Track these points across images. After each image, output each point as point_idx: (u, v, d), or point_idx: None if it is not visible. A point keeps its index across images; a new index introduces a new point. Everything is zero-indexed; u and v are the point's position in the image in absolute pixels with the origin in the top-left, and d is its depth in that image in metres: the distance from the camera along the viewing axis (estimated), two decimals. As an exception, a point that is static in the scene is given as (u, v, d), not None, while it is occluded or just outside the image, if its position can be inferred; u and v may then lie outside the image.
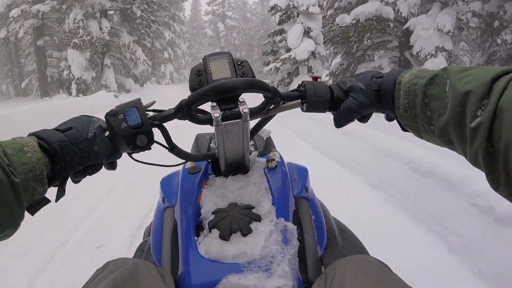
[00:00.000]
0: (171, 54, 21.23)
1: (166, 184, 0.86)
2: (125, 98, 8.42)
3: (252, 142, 0.93)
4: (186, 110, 0.61)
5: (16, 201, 0.43)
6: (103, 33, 11.92)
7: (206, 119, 0.68)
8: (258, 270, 0.55)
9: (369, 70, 0.65)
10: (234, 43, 35.18)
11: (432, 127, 0.49)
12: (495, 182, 0.40)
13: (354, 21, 8.08)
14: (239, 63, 0.70)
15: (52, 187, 0.51)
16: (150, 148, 0.61)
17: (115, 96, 9.48)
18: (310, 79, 0.69)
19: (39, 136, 0.49)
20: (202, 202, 0.71)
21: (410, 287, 0.51)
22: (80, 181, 0.59)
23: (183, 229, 0.66)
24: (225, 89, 0.58)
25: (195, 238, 0.64)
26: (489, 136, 0.38)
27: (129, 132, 0.57)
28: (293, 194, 0.76)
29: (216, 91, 0.58)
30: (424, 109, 0.49)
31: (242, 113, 0.61)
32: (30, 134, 0.50)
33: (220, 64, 0.69)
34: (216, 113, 0.60)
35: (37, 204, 0.49)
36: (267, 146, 0.94)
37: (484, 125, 0.38)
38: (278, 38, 10.51)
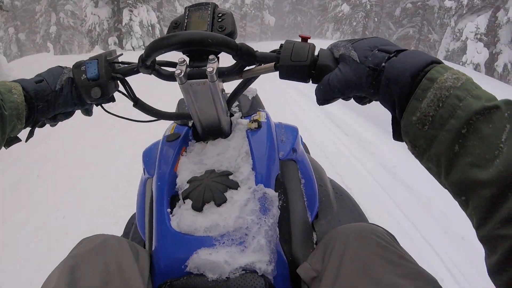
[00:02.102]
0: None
1: (147, 154, 0.80)
2: None
3: (236, 103, 0.87)
4: (144, 64, 0.59)
5: (1, 131, 0.51)
6: None
7: (170, 74, 0.63)
8: (231, 244, 0.52)
9: (376, 36, 0.48)
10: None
11: (451, 170, 0.34)
12: (499, 270, 0.30)
13: None
14: (220, 15, 0.63)
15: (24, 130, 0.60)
16: (113, 101, 0.65)
17: None
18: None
19: (21, 84, 0.58)
20: (178, 170, 0.67)
21: (421, 267, 0.45)
22: (56, 124, 0.67)
23: (156, 201, 0.62)
24: (176, 42, 0.54)
25: (169, 210, 0.60)
26: None
27: (86, 83, 0.60)
28: (279, 157, 0.71)
29: (164, 45, 0.54)
30: (455, 141, 0.34)
31: (207, 72, 0.56)
32: (12, 81, 0.57)
33: (201, 16, 0.64)
34: (178, 70, 0.57)
35: (11, 140, 0.58)
36: (253, 106, 0.88)
37: None
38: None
